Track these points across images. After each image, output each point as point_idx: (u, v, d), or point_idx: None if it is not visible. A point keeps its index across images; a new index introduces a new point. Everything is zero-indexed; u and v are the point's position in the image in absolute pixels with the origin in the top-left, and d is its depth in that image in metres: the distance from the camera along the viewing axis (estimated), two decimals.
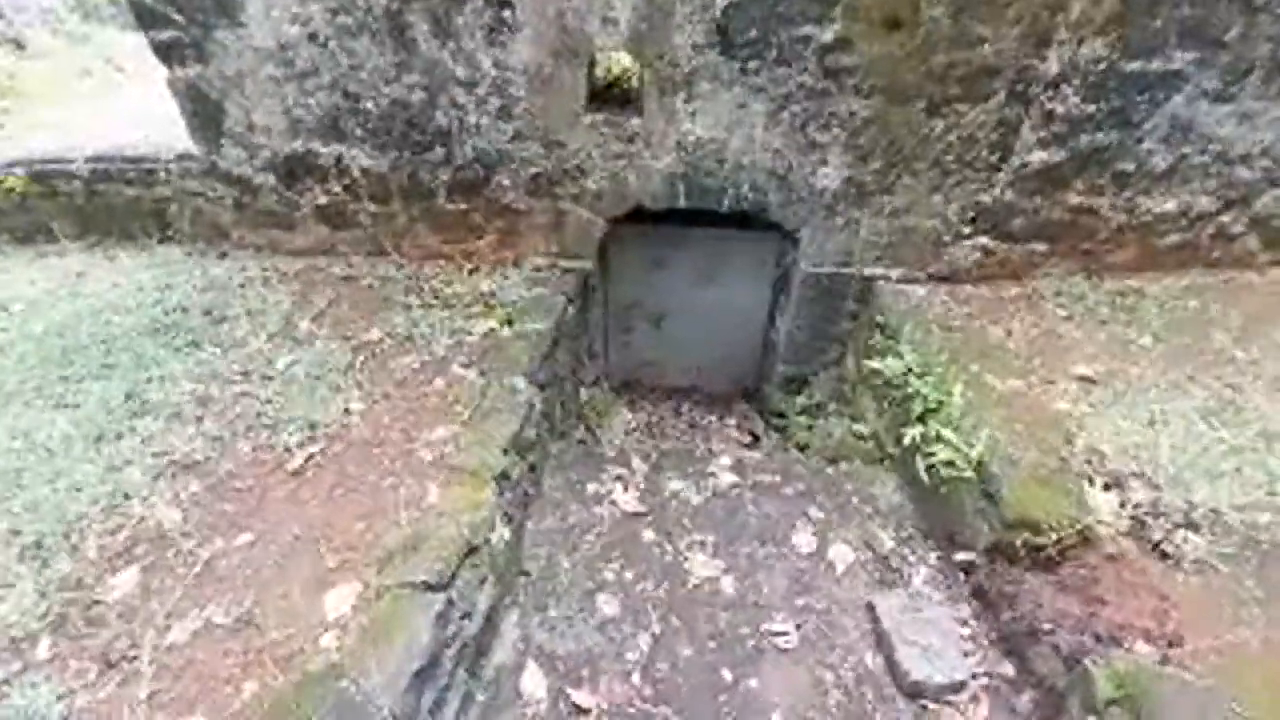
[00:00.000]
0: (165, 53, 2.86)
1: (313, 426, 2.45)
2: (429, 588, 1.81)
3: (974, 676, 2.13)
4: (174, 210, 3.42)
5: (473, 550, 1.99)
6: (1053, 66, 2.64)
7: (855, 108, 2.77)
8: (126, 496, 2.19)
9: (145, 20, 2.77)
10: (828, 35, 2.59)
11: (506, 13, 2.63)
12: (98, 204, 3.46)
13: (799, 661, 2.25)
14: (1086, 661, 1.83)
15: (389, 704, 1.53)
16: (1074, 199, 3.02)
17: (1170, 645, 1.78)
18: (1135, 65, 2.65)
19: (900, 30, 2.56)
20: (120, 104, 4.50)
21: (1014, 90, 2.70)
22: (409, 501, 2.15)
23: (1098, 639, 1.89)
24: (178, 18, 2.75)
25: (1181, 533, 2.08)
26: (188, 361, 2.74)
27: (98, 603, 1.92)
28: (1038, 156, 2.88)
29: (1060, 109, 2.75)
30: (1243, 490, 2.18)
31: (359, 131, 3.03)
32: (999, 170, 2.93)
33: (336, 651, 1.72)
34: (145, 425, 2.44)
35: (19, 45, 5.21)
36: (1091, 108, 2.75)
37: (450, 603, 1.84)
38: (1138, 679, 1.71)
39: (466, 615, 1.94)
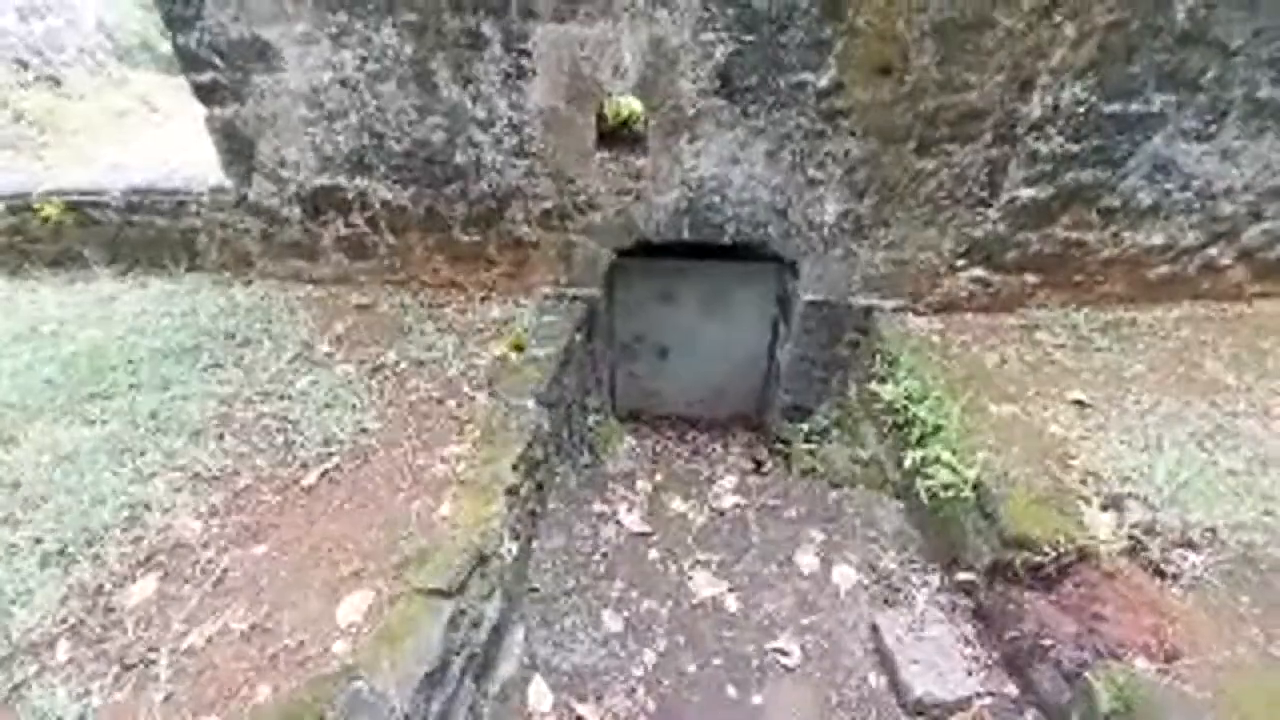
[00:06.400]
0: (205, 94, 3.07)
1: (329, 444, 2.53)
2: (440, 594, 1.86)
3: (977, 695, 2.13)
4: (202, 240, 3.59)
5: (482, 560, 2.05)
6: (1036, 109, 2.80)
7: (850, 148, 2.94)
8: (148, 508, 2.26)
9: (189, 64, 2.99)
10: (823, 81, 2.77)
11: (523, 61, 2.83)
12: (130, 233, 3.63)
13: (803, 679, 2.26)
14: (1087, 674, 1.85)
15: (399, 703, 1.57)
16: (1062, 233, 3.15)
17: (1168, 660, 1.80)
18: (1115, 107, 2.81)
19: (890, 76, 2.74)
20: (154, 141, 4.76)
21: (1000, 131, 2.86)
22: (421, 515, 2.21)
23: (1098, 654, 1.91)
24: (219, 63, 2.96)
25: (1179, 551, 2.11)
26: (210, 382, 2.85)
27: (116, 609, 1.97)
28: (1025, 193, 3.03)
29: (1045, 149, 2.90)
30: (1238, 511, 2.21)
31: (382, 168, 3.21)
32: (989, 206, 3.07)
33: (350, 655, 1.76)
34: (168, 441, 2.53)
35: (56, 83, 5.47)
36: (1075, 147, 2.90)
37: (460, 610, 1.89)
38: (1137, 691, 1.73)
39: (475, 624, 1.98)
